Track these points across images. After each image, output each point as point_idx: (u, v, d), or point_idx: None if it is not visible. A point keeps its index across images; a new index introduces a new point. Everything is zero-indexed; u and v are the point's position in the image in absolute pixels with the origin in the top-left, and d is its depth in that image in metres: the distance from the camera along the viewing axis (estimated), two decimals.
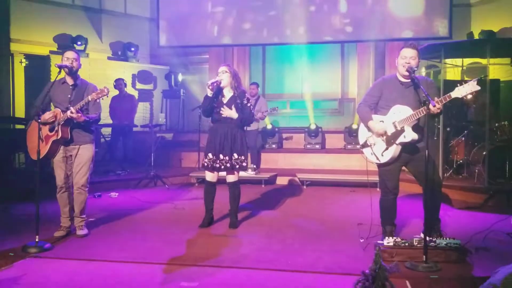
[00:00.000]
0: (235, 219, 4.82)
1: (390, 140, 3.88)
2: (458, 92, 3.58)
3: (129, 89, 9.41)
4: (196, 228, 4.71)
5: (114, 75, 9.03)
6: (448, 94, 3.62)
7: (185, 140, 9.36)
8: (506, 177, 6.16)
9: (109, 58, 10.03)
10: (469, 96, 6.71)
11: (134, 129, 8.85)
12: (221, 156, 4.66)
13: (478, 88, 3.58)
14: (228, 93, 4.75)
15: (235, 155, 4.66)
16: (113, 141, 8.41)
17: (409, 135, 3.78)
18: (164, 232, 4.59)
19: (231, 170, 4.68)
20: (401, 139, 3.82)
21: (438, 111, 3.63)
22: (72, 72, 4.33)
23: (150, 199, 6.23)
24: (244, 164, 4.71)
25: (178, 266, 3.55)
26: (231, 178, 4.75)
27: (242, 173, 5.00)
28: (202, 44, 10.10)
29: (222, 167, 4.66)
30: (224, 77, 4.66)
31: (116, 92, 8.54)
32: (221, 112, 4.67)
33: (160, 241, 4.24)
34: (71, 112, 4.10)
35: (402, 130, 3.81)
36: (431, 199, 3.84)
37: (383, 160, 3.93)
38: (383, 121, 3.92)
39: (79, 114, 4.14)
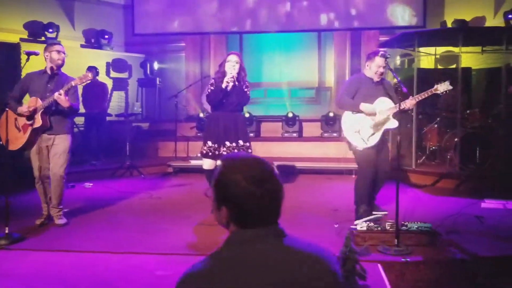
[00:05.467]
0: None
1: (377, 126, 4.31)
2: (438, 89, 4.20)
3: (104, 78, 9.23)
4: (172, 217, 4.70)
5: (88, 63, 8.83)
6: (430, 90, 4.21)
7: (162, 130, 9.25)
8: (477, 163, 6.31)
9: (82, 46, 9.79)
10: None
11: (109, 118, 8.70)
12: (228, 144, 4.61)
13: (451, 87, 4.24)
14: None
15: (241, 142, 4.65)
16: (87, 131, 8.27)
17: (394, 123, 4.33)
18: (139, 221, 4.56)
19: None
20: (387, 125, 4.32)
21: (411, 107, 4.35)
22: (59, 67, 4.31)
23: (125, 189, 6.17)
24: (250, 150, 4.68)
25: (153, 255, 3.54)
26: None
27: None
28: (178, 32, 9.95)
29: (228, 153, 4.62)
30: (236, 70, 4.61)
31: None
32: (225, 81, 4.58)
33: (135, 230, 4.21)
34: (59, 94, 4.04)
35: (389, 118, 4.29)
36: (382, 183, 4.45)
37: (370, 144, 4.33)
38: (371, 106, 4.33)
39: (66, 98, 4.09)
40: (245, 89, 4.68)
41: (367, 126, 4.32)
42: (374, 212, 4.20)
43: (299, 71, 10.30)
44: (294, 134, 8.95)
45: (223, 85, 4.58)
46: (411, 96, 4.16)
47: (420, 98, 4.20)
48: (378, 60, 4.30)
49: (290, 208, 5.18)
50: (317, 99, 10.37)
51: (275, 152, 8.54)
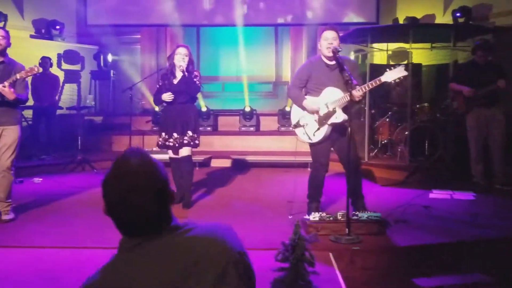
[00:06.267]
0: (189, 199, 4.82)
1: (322, 121, 4.03)
2: (387, 77, 3.79)
3: (55, 70, 8.90)
4: None
5: (38, 55, 8.48)
6: (378, 78, 3.82)
7: (116, 123, 9.03)
8: (426, 155, 6.55)
9: (31, 36, 9.39)
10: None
11: (60, 111, 8.41)
12: (175, 135, 4.68)
13: (406, 73, 3.78)
14: (179, 74, 4.71)
15: (189, 133, 4.70)
16: (35, 124, 7.95)
17: (341, 116, 3.97)
18: (91, 216, 4.44)
19: (183, 147, 4.71)
20: (333, 119, 4.00)
21: (360, 98, 3.84)
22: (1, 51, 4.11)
23: (77, 184, 5.99)
24: (197, 142, 4.77)
25: (104, 249, 3.46)
26: (184, 153, 4.74)
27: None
28: (133, 24, 9.74)
29: (177, 145, 4.70)
30: (185, 62, 4.63)
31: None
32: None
33: (86, 225, 4.11)
34: (3, 86, 3.87)
35: (334, 111, 3.97)
36: (354, 177, 4.03)
37: (315, 139, 4.09)
38: (316, 101, 4.07)
39: (12, 90, 3.92)
40: (195, 79, 4.68)
41: (312, 120, 4.09)
42: (355, 213, 3.87)
43: (256, 66, 10.32)
44: (252, 128, 8.98)
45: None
46: (357, 87, 3.73)
47: (367, 88, 3.84)
48: (326, 33, 3.95)
49: (248, 200, 5.21)
50: (274, 94, 10.44)
51: (232, 146, 8.55)
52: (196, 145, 4.80)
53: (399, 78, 3.76)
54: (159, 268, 1.09)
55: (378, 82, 3.81)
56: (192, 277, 1.08)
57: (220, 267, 1.10)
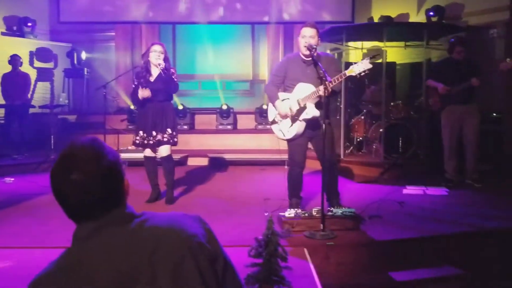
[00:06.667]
0: (171, 195, 4.83)
1: (294, 117, 4.04)
2: (352, 71, 3.78)
3: (27, 68, 8.70)
4: None
5: (9, 52, 8.28)
6: (343, 73, 3.83)
7: (90, 122, 8.88)
8: (400, 152, 6.65)
9: (3, 33, 9.14)
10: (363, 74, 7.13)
11: (33, 110, 8.23)
12: (154, 133, 4.66)
13: (370, 66, 3.76)
14: (155, 72, 4.67)
15: (169, 130, 4.70)
16: (7, 123, 7.77)
17: (311, 112, 3.96)
18: (63, 215, 4.34)
19: (163, 145, 4.70)
20: (303, 115, 4.00)
21: (328, 92, 3.75)
22: None
23: (50, 184, 5.86)
24: (175, 139, 4.77)
25: None
26: (164, 153, 4.73)
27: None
28: (108, 21, 9.58)
29: (156, 143, 4.69)
30: (161, 60, 4.60)
31: (8, 69, 7.88)
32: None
33: (58, 224, 4.03)
34: None
35: (305, 107, 3.98)
36: (329, 174, 4.04)
37: (289, 136, 4.11)
38: (288, 99, 4.07)
39: None
40: (173, 77, 4.66)
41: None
42: (330, 209, 3.89)
43: (233, 64, 10.31)
44: (229, 127, 8.96)
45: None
46: (326, 82, 3.67)
47: (334, 83, 3.77)
48: (304, 30, 3.99)
49: (225, 198, 5.20)
50: (252, 92, 10.44)
51: (209, 145, 8.51)
52: (175, 143, 4.80)
53: (364, 72, 3.75)
54: (116, 258, 1.08)
55: (343, 77, 3.80)
56: (151, 266, 1.07)
57: (178, 256, 1.09)
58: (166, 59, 4.68)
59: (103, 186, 1.12)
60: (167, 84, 4.63)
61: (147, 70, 4.69)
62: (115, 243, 1.10)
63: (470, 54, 5.88)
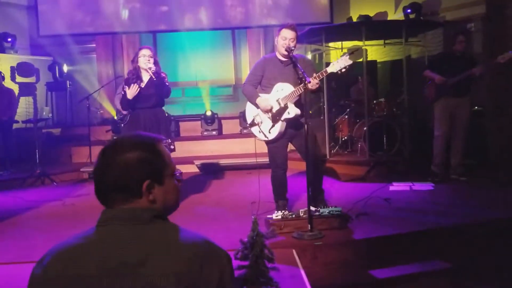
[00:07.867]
0: None
1: (275, 117, 4.05)
2: (333, 67, 3.83)
3: (9, 83, 8.61)
4: (87, 222, 4.50)
5: None
6: (324, 70, 3.87)
7: (75, 134, 8.83)
8: (384, 149, 6.71)
9: None
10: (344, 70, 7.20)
11: (16, 125, 8.15)
12: None
13: (350, 62, 3.80)
14: (146, 77, 4.59)
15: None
16: None
17: (293, 111, 3.99)
18: (50, 229, 4.33)
19: None
20: (285, 115, 4.01)
21: (317, 86, 3.85)
22: None
23: (36, 198, 5.80)
24: (172, 147, 4.61)
25: None
26: None
27: None
28: (88, 32, 9.54)
29: None
30: (152, 64, 4.49)
31: None
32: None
33: (45, 238, 4.00)
34: None
35: (286, 107, 4.00)
36: (314, 172, 4.06)
37: (271, 137, 4.09)
38: (268, 99, 4.08)
39: None
40: (164, 81, 4.57)
41: (266, 118, 4.10)
42: (317, 209, 3.83)
43: (215, 69, 10.32)
44: (214, 132, 8.97)
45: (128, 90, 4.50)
46: (308, 79, 3.67)
47: (317, 80, 3.80)
48: (284, 32, 3.97)
49: (211, 203, 5.20)
50: (235, 97, 10.45)
51: (195, 151, 8.50)
52: (172, 150, 4.64)
53: (345, 68, 3.79)
54: (123, 250, 1.14)
55: (324, 74, 3.85)
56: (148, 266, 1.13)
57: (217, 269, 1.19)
58: (155, 63, 4.56)
59: (140, 172, 1.21)
60: (159, 89, 4.54)
61: (137, 76, 4.57)
62: (119, 236, 1.16)
63: (450, 49, 5.94)
